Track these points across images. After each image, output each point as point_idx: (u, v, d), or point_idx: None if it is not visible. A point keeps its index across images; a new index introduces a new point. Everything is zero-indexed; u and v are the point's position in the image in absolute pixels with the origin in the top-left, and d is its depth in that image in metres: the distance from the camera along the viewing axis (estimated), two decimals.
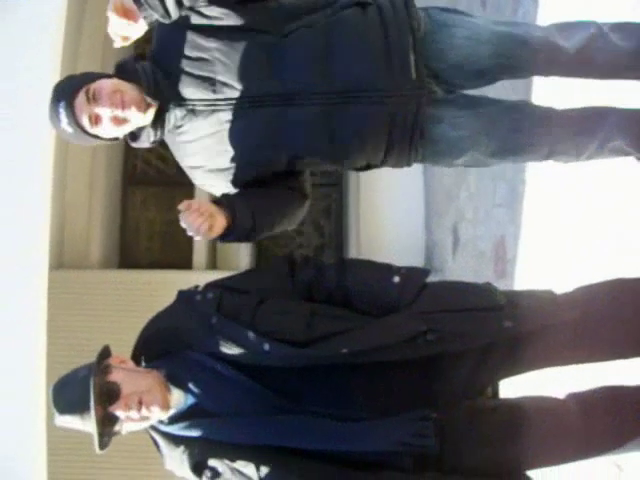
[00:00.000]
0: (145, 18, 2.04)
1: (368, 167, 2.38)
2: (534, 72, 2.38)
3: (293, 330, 1.89)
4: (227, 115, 2.18)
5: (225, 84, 2.15)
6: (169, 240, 7.22)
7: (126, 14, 2.02)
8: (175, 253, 7.16)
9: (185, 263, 6.94)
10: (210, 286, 2.04)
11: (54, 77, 4.57)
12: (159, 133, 2.23)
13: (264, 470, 1.86)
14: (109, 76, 2.19)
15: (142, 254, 7.32)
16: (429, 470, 1.91)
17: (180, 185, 7.29)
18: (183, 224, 2.05)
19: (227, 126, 2.19)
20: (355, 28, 2.16)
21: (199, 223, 2.03)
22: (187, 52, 2.15)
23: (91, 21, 6.48)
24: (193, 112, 2.19)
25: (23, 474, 4.41)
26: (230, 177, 2.26)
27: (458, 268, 5.36)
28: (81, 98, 2.09)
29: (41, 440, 4.51)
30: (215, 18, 2.14)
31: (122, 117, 2.10)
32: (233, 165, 2.24)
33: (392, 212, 6.40)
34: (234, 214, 2.11)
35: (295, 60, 2.14)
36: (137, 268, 6.93)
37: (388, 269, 2.03)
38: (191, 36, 2.15)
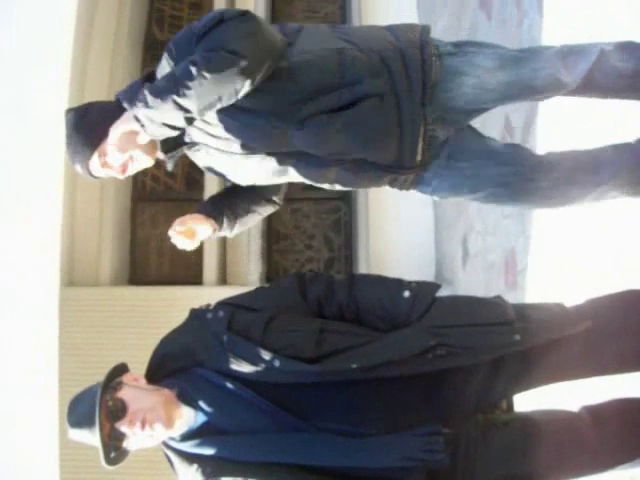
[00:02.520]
0: (157, 137, 2.12)
1: None
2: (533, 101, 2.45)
3: (303, 347, 1.89)
4: (241, 160, 2.24)
5: (238, 144, 2.19)
6: (179, 256, 7.22)
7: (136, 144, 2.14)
8: (185, 269, 7.17)
9: (195, 279, 6.95)
10: (221, 304, 2.06)
11: (63, 89, 4.60)
12: (177, 161, 2.34)
13: None
14: (116, 117, 2.17)
15: (152, 270, 7.34)
16: None
17: (189, 201, 7.32)
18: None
19: (238, 164, 2.26)
20: (371, 122, 2.17)
21: (182, 244, 2.34)
22: (205, 128, 2.18)
23: (100, 29, 6.53)
24: (206, 150, 2.26)
25: None
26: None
27: (469, 280, 5.34)
28: (94, 163, 2.21)
29: (53, 455, 4.51)
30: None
31: (134, 170, 2.25)
32: (241, 182, 2.38)
33: (401, 225, 6.40)
34: (218, 223, 2.38)
35: (306, 141, 2.17)
36: (147, 284, 6.95)
37: (398, 284, 2.03)
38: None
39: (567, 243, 3.47)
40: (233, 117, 2.12)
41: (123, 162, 2.21)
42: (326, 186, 2.36)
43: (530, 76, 2.24)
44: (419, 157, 2.23)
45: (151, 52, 7.58)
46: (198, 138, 2.23)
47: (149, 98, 2.01)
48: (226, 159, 2.27)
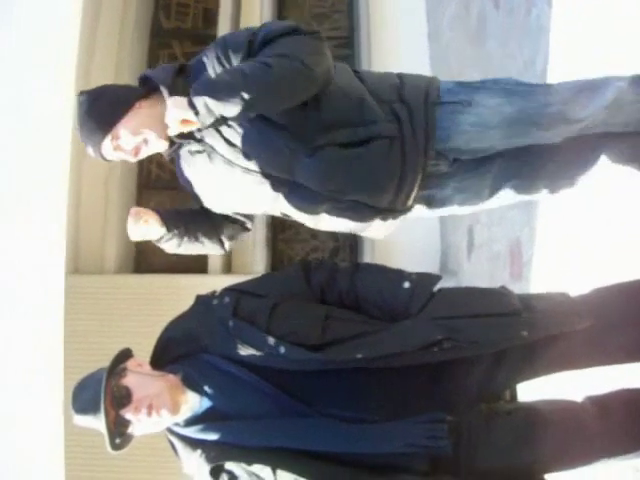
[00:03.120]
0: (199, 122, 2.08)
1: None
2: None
3: (308, 333, 1.90)
4: (239, 176, 2.24)
5: (246, 156, 2.20)
6: None
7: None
8: (190, 257, 7.15)
9: (200, 267, 6.94)
10: (227, 290, 2.07)
11: (69, 79, 4.60)
12: (173, 154, 2.33)
13: (280, 473, 1.88)
14: (133, 102, 2.20)
15: (157, 258, 7.32)
16: (445, 473, 1.91)
17: None
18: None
19: (235, 179, 2.26)
20: (378, 161, 2.20)
21: (136, 232, 2.43)
22: (223, 132, 2.18)
23: (107, 17, 6.52)
24: (209, 156, 2.25)
25: (41, 475, 4.44)
26: (209, 204, 2.43)
27: (474, 271, 5.33)
28: (107, 146, 2.21)
29: (59, 443, 4.53)
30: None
31: (146, 153, 2.26)
32: (217, 202, 2.41)
33: (406, 215, 6.38)
34: (169, 229, 2.40)
35: (312, 170, 2.18)
36: (152, 272, 6.95)
37: (399, 274, 2.04)
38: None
39: (572, 234, 3.47)
40: (254, 126, 2.15)
41: (136, 145, 2.22)
42: (309, 222, 2.36)
43: (537, 112, 2.20)
44: (410, 202, 2.29)
45: (157, 40, 7.56)
46: (210, 140, 2.22)
47: (212, 89, 2.03)
48: (224, 172, 2.26)
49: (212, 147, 2.23)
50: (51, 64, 4.51)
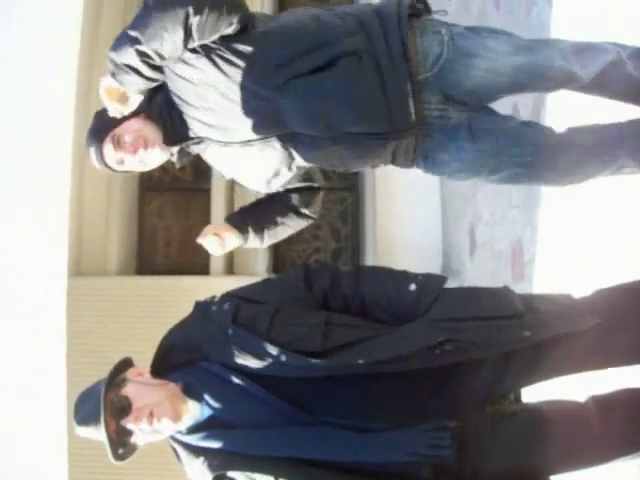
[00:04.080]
0: (134, 91, 2.13)
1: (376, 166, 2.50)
2: (546, 93, 2.46)
3: (309, 341, 1.88)
4: (242, 152, 2.27)
5: (234, 130, 2.22)
6: (186, 246, 7.23)
7: (119, 99, 2.16)
8: (192, 259, 7.17)
9: (202, 269, 6.95)
10: (226, 297, 2.05)
11: (72, 73, 4.60)
12: (187, 160, 2.41)
13: None
14: (138, 113, 2.27)
15: (159, 260, 7.35)
16: (450, 478, 1.90)
17: (196, 191, 7.32)
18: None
19: (243, 160, 2.31)
20: (350, 82, 2.14)
21: (213, 248, 2.53)
22: (192, 101, 2.21)
23: (107, 27, 6.52)
24: (211, 146, 2.32)
25: (43, 475, 4.44)
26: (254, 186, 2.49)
27: (476, 270, 5.33)
28: (108, 144, 2.28)
29: (61, 445, 4.53)
30: (206, 70, 2.16)
31: (145, 160, 2.31)
32: (255, 182, 2.46)
33: (408, 215, 6.38)
34: (243, 233, 2.50)
35: (291, 111, 2.18)
36: (155, 274, 6.96)
37: (404, 276, 2.01)
38: (192, 86, 2.19)
39: (575, 233, 3.46)
40: (225, 97, 2.17)
41: (135, 138, 2.26)
42: (337, 164, 2.36)
43: (544, 64, 2.21)
44: (412, 116, 2.18)
45: None
46: (201, 132, 2.26)
47: (113, 43, 2.09)
48: (229, 154, 2.30)
49: (207, 137, 2.28)
50: (53, 63, 4.52)
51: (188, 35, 2.06)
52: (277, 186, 2.45)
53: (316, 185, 2.54)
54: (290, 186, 2.48)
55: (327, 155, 2.29)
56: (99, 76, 2.20)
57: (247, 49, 2.15)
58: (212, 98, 2.18)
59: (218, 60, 2.14)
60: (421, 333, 1.88)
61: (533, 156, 2.25)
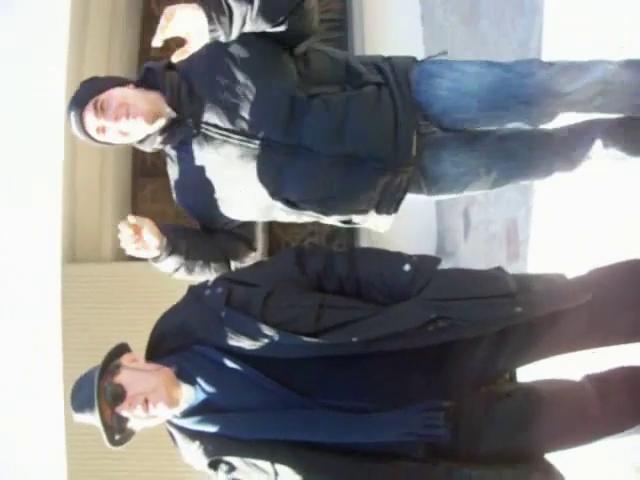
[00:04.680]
0: (211, 32, 2.05)
1: (349, 222, 2.46)
2: (530, 124, 2.32)
3: (302, 322, 1.89)
4: (236, 151, 2.22)
5: (245, 120, 2.19)
6: None
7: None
8: None
9: None
10: (219, 280, 2.06)
11: (61, 63, 4.58)
12: (163, 143, 2.29)
13: (279, 465, 1.88)
14: (124, 83, 2.25)
15: None
16: (445, 459, 1.91)
17: None
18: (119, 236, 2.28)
19: (229, 163, 2.24)
20: (371, 105, 2.24)
21: (127, 242, 2.28)
22: (218, 77, 2.19)
23: (96, 21, 6.48)
24: (204, 137, 2.23)
25: (42, 468, 4.45)
26: (199, 209, 2.39)
27: (470, 252, 5.33)
28: (90, 109, 2.19)
29: (59, 432, 4.54)
30: (255, 52, 2.18)
31: (126, 130, 2.19)
32: (208, 203, 2.33)
33: None
34: (169, 246, 2.30)
35: (313, 121, 2.20)
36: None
37: (399, 257, 2.02)
38: (227, 63, 2.18)
39: (569, 213, 3.46)
40: (256, 85, 2.17)
41: (117, 105, 2.18)
42: (321, 198, 2.31)
43: (517, 82, 2.18)
44: (413, 152, 2.26)
45: (149, 26, 7.51)
46: (206, 115, 2.21)
47: None
48: (217, 154, 2.24)
49: (210, 122, 2.21)
50: (43, 48, 4.49)
51: (285, 17, 2.11)
52: (235, 216, 2.38)
53: (255, 245, 2.52)
54: (232, 229, 2.44)
55: (319, 181, 2.27)
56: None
57: (300, 54, 2.24)
58: (242, 80, 2.17)
59: (271, 47, 2.19)
60: (414, 311, 1.88)
61: (524, 148, 2.32)
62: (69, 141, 4.99)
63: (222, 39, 2.09)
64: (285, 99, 2.19)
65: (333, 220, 2.42)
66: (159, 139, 2.28)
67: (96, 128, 2.21)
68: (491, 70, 2.22)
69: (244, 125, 2.20)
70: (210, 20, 2.02)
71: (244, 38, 2.15)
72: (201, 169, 2.28)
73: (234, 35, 2.10)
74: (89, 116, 2.20)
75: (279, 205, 2.32)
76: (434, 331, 1.87)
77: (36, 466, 4.36)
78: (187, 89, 2.23)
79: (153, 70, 2.28)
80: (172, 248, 2.31)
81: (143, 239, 2.27)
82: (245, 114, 2.19)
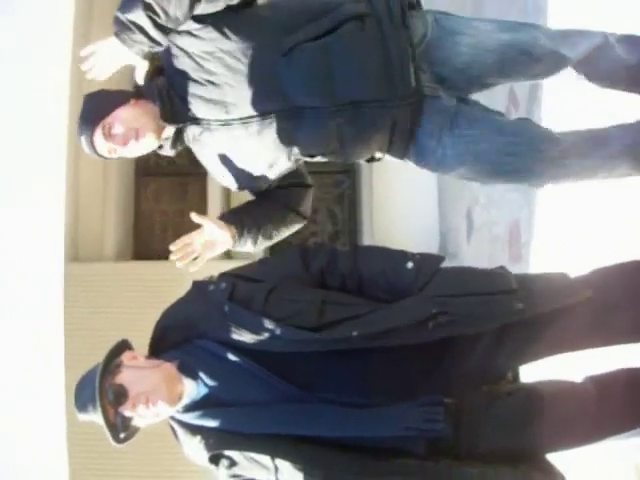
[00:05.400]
0: (137, 53, 2.11)
1: (372, 159, 2.46)
2: (535, 79, 2.42)
3: (305, 317, 1.90)
4: (241, 132, 2.25)
5: (235, 105, 2.21)
6: (183, 230, 7.21)
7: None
8: None
9: None
10: (223, 276, 2.07)
11: (65, 59, 4.58)
12: (180, 148, 2.38)
13: (279, 459, 1.88)
14: (127, 99, 2.29)
15: (156, 245, 7.33)
16: (445, 456, 1.92)
17: (193, 175, 7.29)
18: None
19: (242, 142, 2.27)
20: (354, 45, 2.18)
21: (185, 259, 2.35)
22: (195, 76, 2.20)
23: (98, 21, 6.48)
24: (209, 130, 2.27)
25: (43, 467, 4.45)
26: (241, 182, 2.42)
27: (473, 253, 5.33)
28: (99, 134, 2.27)
29: (60, 432, 4.54)
30: (212, 40, 2.17)
31: (137, 150, 2.31)
32: (245, 176, 2.38)
33: (405, 198, 6.37)
34: (239, 227, 2.37)
35: (296, 79, 2.18)
36: (152, 259, 6.94)
37: (402, 255, 2.03)
38: (196, 60, 2.19)
39: (571, 215, 3.46)
40: (229, 68, 2.17)
41: (125, 131, 2.25)
42: (337, 149, 2.31)
43: (529, 42, 2.24)
44: (413, 82, 2.20)
45: None
46: (200, 111, 2.24)
47: (120, 4, 2.09)
48: (226, 139, 2.27)
49: (206, 119, 2.25)
50: (47, 45, 4.49)
51: None
52: (273, 177, 2.41)
53: (306, 182, 2.53)
54: (281, 183, 2.46)
55: (327, 135, 2.26)
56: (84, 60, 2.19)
57: (255, 17, 2.19)
58: (216, 70, 2.18)
59: (225, 28, 2.16)
60: (415, 307, 1.89)
61: (522, 146, 2.26)
62: (71, 140, 4.99)
63: (158, 49, 2.15)
64: (265, 70, 2.18)
65: (355, 160, 2.45)
66: (172, 147, 2.37)
67: (107, 150, 2.31)
68: (504, 29, 2.27)
69: (238, 110, 2.21)
70: (123, 42, 2.09)
71: (196, 30, 2.16)
72: (221, 153, 2.33)
73: (163, 40, 2.12)
74: (99, 140, 2.28)
75: (303, 158, 2.36)
76: (435, 327, 1.87)
77: (38, 464, 4.37)
78: (176, 95, 2.26)
79: (142, 89, 2.32)
80: (241, 229, 2.39)
81: (215, 243, 2.37)
82: (232, 100, 2.20)
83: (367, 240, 6.64)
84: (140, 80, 2.20)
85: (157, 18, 2.07)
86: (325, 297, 1.95)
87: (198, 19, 2.15)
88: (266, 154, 2.31)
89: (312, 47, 2.16)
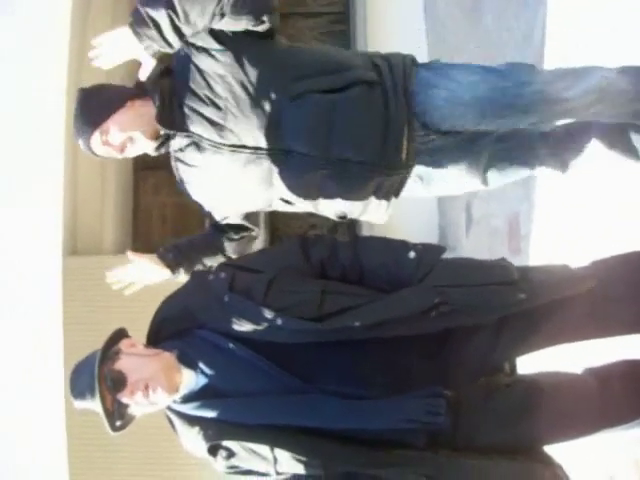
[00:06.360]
0: (146, 49, 2.08)
1: (344, 217, 2.49)
2: (532, 126, 2.31)
3: (306, 307, 1.89)
4: (228, 159, 2.26)
5: (232, 132, 2.21)
6: (181, 224, 7.22)
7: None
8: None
9: None
10: (223, 266, 2.07)
11: (63, 58, 4.57)
12: (163, 151, 2.38)
13: (278, 450, 1.87)
14: (123, 102, 2.28)
15: (155, 238, 7.32)
16: (443, 448, 1.91)
17: None
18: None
19: (223, 168, 2.28)
20: (359, 108, 2.22)
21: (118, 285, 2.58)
22: (200, 93, 2.20)
23: (96, 21, 6.46)
24: (197, 145, 2.28)
25: (42, 459, 4.46)
26: (207, 206, 2.51)
27: (472, 246, 5.33)
28: (96, 140, 2.29)
29: (59, 424, 4.54)
30: (227, 65, 2.17)
31: (134, 153, 2.33)
32: (215, 202, 2.47)
33: (404, 191, 6.36)
34: (173, 266, 2.56)
35: (297, 124, 2.20)
36: (151, 252, 6.94)
37: (403, 245, 2.03)
38: (206, 79, 2.19)
39: (571, 208, 3.46)
40: (236, 96, 2.18)
41: (122, 141, 2.28)
42: (314, 197, 2.34)
43: (513, 91, 2.17)
44: (403, 155, 2.25)
45: None
46: (196, 127, 2.24)
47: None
48: (211, 162, 2.28)
49: (199, 135, 2.25)
50: (44, 45, 4.48)
51: (220, 7, 2.06)
52: (238, 211, 2.49)
53: (254, 233, 2.62)
54: (236, 222, 2.54)
55: (309, 183, 2.28)
56: (91, 49, 2.17)
57: (273, 54, 2.21)
58: (223, 94, 2.18)
59: (243, 57, 2.17)
60: (417, 296, 1.89)
61: (520, 148, 2.36)
62: (69, 134, 4.99)
63: (168, 50, 2.12)
64: (269, 108, 2.19)
65: (328, 215, 2.46)
66: (155, 149, 2.37)
67: (104, 154, 2.34)
68: (487, 79, 2.20)
69: (232, 137, 2.22)
70: (137, 35, 2.06)
71: (215, 51, 2.17)
72: (201, 172, 2.34)
73: (176, 43, 2.10)
74: (96, 144, 2.30)
75: (277, 202, 2.39)
76: (436, 317, 1.87)
77: (37, 460, 4.37)
78: (178, 102, 2.26)
79: (146, 84, 2.31)
80: (175, 267, 2.56)
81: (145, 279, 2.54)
82: (231, 127, 2.21)
83: (366, 233, 6.63)
84: (143, 78, 2.18)
85: (177, 19, 2.05)
86: (325, 287, 1.94)
87: (220, 39, 2.16)
88: (242, 188, 2.33)
89: (320, 99, 2.19)
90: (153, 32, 2.05)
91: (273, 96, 2.18)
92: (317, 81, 2.20)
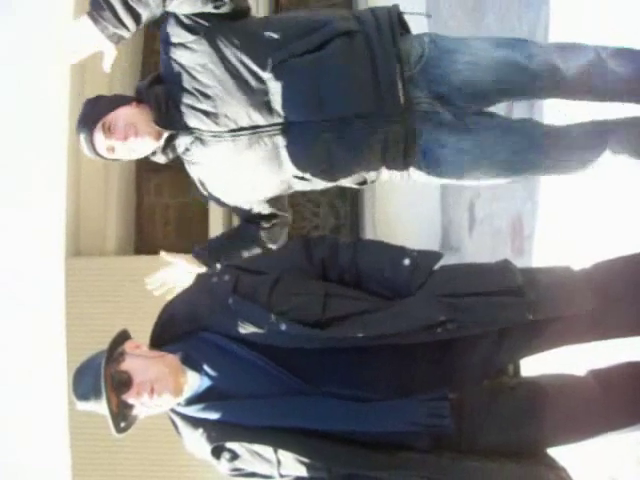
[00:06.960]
0: (106, 35, 2.12)
1: (364, 182, 2.48)
2: (533, 97, 2.46)
3: (309, 311, 1.89)
4: (232, 146, 2.28)
5: (227, 117, 2.23)
6: (184, 225, 7.22)
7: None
8: (191, 238, 7.15)
9: None
10: (227, 268, 2.07)
11: (62, 65, 4.57)
12: (171, 155, 2.40)
13: (282, 452, 1.87)
14: (127, 102, 2.33)
15: (158, 239, 7.32)
16: (447, 450, 1.91)
17: None
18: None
19: (231, 157, 2.30)
20: (342, 60, 2.21)
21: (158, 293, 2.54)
22: (188, 87, 2.24)
23: None
24: (200, 140, 2.30)
25: (45, 461, 4.46)
26: (230, 201, 2.51)
27: (475, 246, 5.32)
28: (99, 131, 2.29)
29: (62, 425, 4.55)
30: (204, 52, 2.20)
31: (135, 147, 2.32)
32: (234, 194, 2.46)
33: (407, 192, 6.35)
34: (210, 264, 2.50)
35: (284, 93, 2.20)
36: (154, 254, 6.93)
37: (400, 251, 2.02)
38: (190, 72, 2.22)
39: (574, 208, 3.45)
40: (220, 81, 2.20)
41: (125, 128, 2.28)
42: (326, 167, 2.33)
43: (525, 57, 2.25)
44: (401, 99, 2.22)
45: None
46: (192, 121, 2.27)
47: None
48: (217, 151, 2.29)
49: (198, 129, 2.28)
50: (46, 45, 4.49)
51: None
52: (259, 198, 2.47)
53: (286, 215, 2.61)
54: (263, 211, 2.54)
55: (316, 153, 2.28)
56: (91, 54, 2.20)
57: (247, 30, 2.22)
58: (208, 82, 2.21)
59: (217, 41, 2.19)
60: (422, 310, 1.87)
61: (527, 143, 2.31)
62: (72, 134, 4.99)
63: (124, 34, 2.14)
64: (254, 82, 2.20)
65: (348, 184, 2.46)
66: (163, 155, 2.40)
67: (106, 148, 2.33)
68: (499, 47, 2.28)
69: (228, 122, 2.24)
70: (94, 20, 2.09)
71: (191, 42, 2.20)
72: (211, 166, 2.36)
73: (131, 25, 2.13)
74: (98, 137, 2.30)
75: (293, 180, 2.38)
76: (441, 332, 1.86)
77: (40, 460, 4.38)
78: (172, 101, 2.29)
79: (140, 90, 2.36)
80: (215, 266, 2.47)
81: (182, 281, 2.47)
82: (224, 112, 2.23)
83: (369, 235, 6.63)
84: (107, 69, 2.19)
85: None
86: (328, 290, 1.94)
87: (194, 31, 2.19)
88: (254, 172, 2.34)
89: (300, 62, 2.20)
90: (108, 14, 2.09)
91: (255, 71, 2.20)
92: (294, 46, 2.21)
